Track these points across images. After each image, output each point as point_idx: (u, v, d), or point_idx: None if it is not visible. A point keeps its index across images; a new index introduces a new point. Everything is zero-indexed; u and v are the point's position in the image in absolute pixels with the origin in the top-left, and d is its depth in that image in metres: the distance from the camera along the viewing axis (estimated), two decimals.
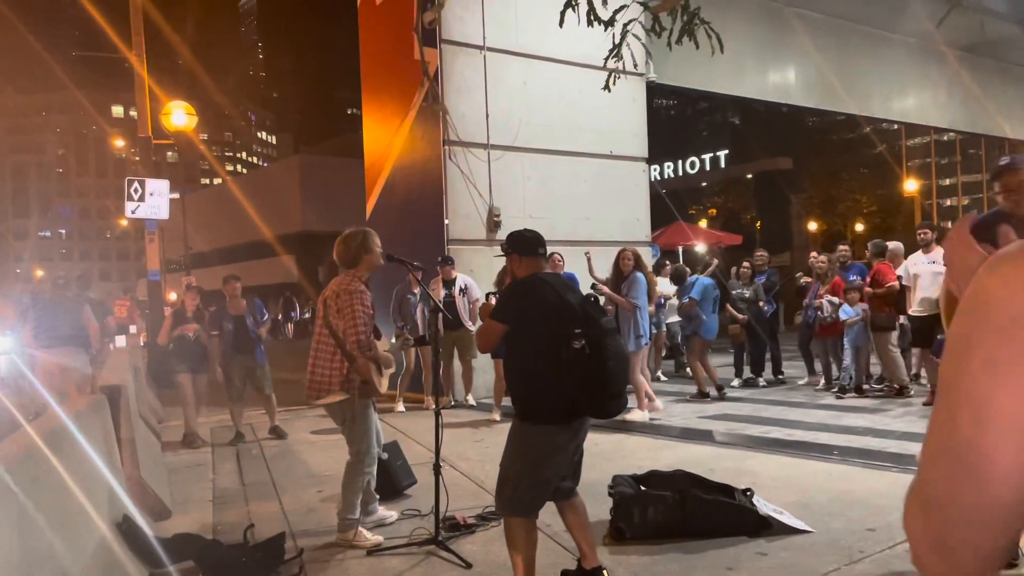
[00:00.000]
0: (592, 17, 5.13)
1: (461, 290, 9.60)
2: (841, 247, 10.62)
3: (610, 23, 5.20)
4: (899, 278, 8.95)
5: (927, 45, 17.82)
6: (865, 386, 9.39)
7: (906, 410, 8.22)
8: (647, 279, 8.31)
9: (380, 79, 12.25)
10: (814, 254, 10.46)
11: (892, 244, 9.93)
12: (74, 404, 4.67)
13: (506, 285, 4.29)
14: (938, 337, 7.99)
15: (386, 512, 5.12)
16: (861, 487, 5.31)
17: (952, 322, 0.71)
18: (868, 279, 9.33)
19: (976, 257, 0.86)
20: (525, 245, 3.83)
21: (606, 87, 5.83)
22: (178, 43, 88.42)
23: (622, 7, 5.11)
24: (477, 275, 10.00)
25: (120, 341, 11.70)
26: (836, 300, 9.49)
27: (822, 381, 10.02)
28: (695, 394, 9.58)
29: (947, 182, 77.16)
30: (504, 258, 4.00)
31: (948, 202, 76.74)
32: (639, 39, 5.39)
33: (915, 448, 6.33)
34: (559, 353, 3.46)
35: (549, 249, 4.35)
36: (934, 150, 73.76)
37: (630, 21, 5.20)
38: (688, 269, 10.59)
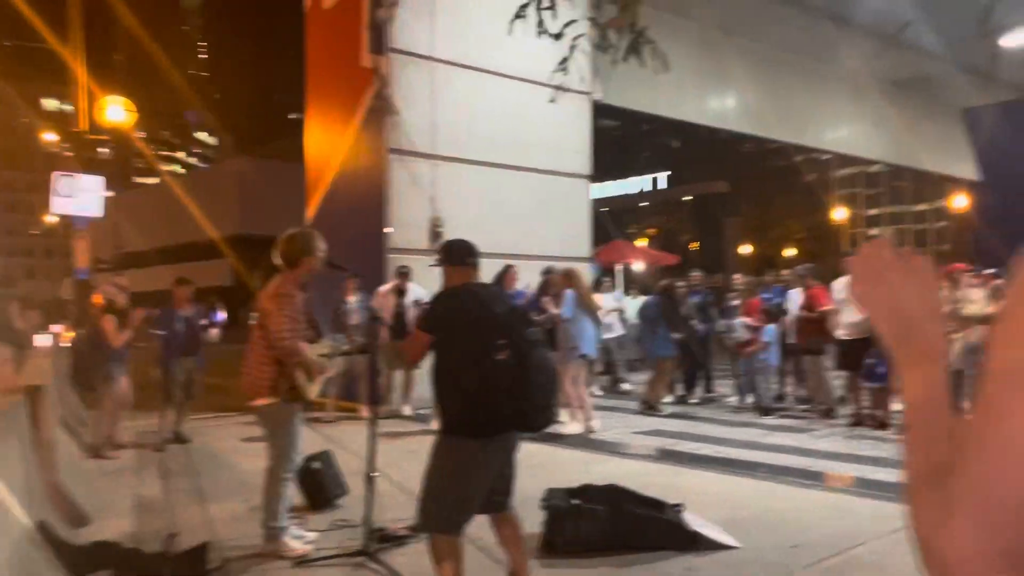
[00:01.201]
0: (541, 29, 5.19)
1: (415, 302, 9.54)
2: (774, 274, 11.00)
3: (559, 36, 5.27)
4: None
5: (860, 79, 18.50)
6: (777, 406, 9.68)
7: (831, 431, 8.47)
8: (580, 294, 8.47)
9: (326, 84, 12.14)
10: (737, 276, 10.79)
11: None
12: None
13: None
14: (865, 361, 8.26)
15: (303, 532, 5.00)
16: (787, 504, 5.45)
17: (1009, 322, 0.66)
18: (802, 302, 9.55)
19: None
20: (454, 255, 3.80)
21: (552, 100, 5.89)
22: (117, 37, 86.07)
23: (571, 21, 5.18)
24: (418, 285, 9.94)
25: (43, 340, 11.25)
26: (747, 321, 9.77)
27: (735, 399, 10.25)
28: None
29: (873, 212, 79.96)
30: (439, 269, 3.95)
31: (874, 231, 79.46)
32: (586, 54, 5.48)
33: (839, 467, 6.54)
34: (482, 365, 3.37)
35: (494, 263, 4.36)
36: (862, 181, 76.44)
37: (578, 36, 5.28)
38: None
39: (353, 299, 9.52)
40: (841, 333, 8.77)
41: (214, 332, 8.24)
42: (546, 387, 3.52)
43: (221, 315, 8.49)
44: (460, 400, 3.46)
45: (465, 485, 3.48)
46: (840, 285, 8.96)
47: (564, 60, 5.33)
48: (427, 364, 3.79)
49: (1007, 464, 0.60)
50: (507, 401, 3.38)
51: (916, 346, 0.82)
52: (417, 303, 9.53)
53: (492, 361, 3.37)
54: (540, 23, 5.08)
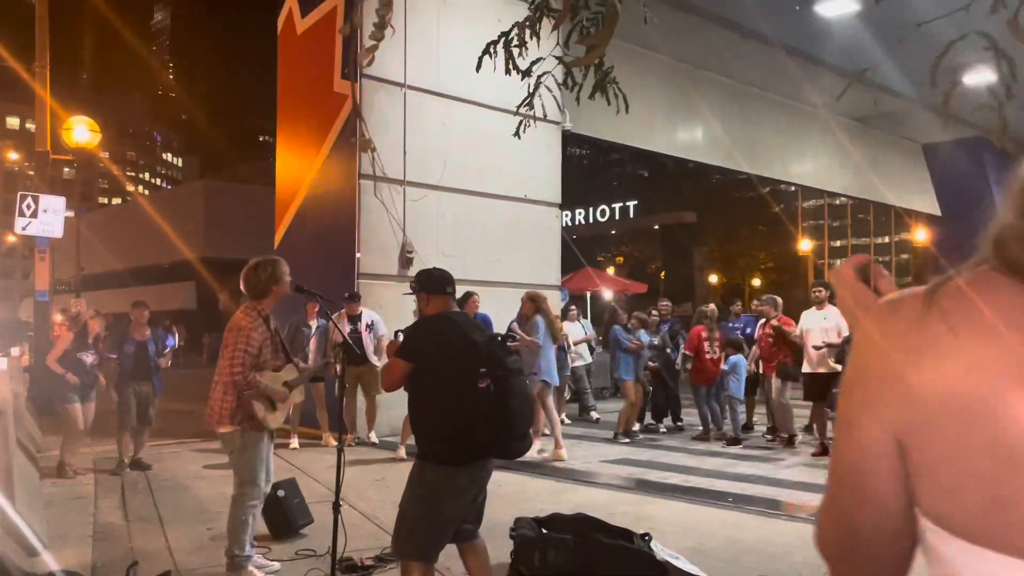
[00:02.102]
0: (511, 66, 5.26)
1: (368, 325, 9.48)
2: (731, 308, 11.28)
3: (527, 73, 5.34)
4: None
5: (824, 115, 18.93)
6: (766, 438, 9.73)
7: (797, 460, 8.54)
8: (547, 321, 8.56)
9: (297, 108, 12.12)
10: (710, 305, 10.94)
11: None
12: None
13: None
14: (833, 391, 8.37)
15: (266, 561, 4.91)
16: (753, 534, 5.47)
17: (849, 361, 0.83)
18: (768, 330, 9.65)
19: (855, 295, 0.95)
20: (433, 283, 3.81)
21: (516, 134, 5.96)
22: (83, 56, 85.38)
23: (538, 59, 5.26)
24: (387, 310, 9.90)
25: (1, 363, 11.00)
26: (687, 352, 10.12)
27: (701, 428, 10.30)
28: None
29: (838, 243, 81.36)
30: (413, 296, 3.98)
31: (838, 262, 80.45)
32: (551, 91, 5.56)
33: (805, 497, 6.59)
34: (463, 393, 3.42)
35: (464, 289, 4.37)
36: (827, 213, 77.88)
37: (544, 73, 5.36)
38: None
39: (314, 324, 9.45)
40: (808, 365, 8.90)
41: (165, 357, 8.11)
42: (524, 415, 3.57)
43: (172, 340, 8.35)
44: (440, 427, 3.49)
45: (440, 512, 3.49)
46: (806, 317, 9.10)
47: (529, 97, 5.41)
48: (395, 391, 3.78)
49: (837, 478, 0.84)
50: (487, 429, 3.42)
51: None
52: (369, 327, 9.49)
53: (474, 389, 3.41)
54: (508, 60, 5.14)
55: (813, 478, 7.54)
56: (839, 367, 8.52)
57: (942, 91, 5.10)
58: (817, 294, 9.08)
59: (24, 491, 5.09)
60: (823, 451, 8.70)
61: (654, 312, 11.21)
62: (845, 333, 8.61)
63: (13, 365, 11.64)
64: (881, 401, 0.76)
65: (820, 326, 8.78)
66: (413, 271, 10.53)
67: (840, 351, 8.48)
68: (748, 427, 10.53)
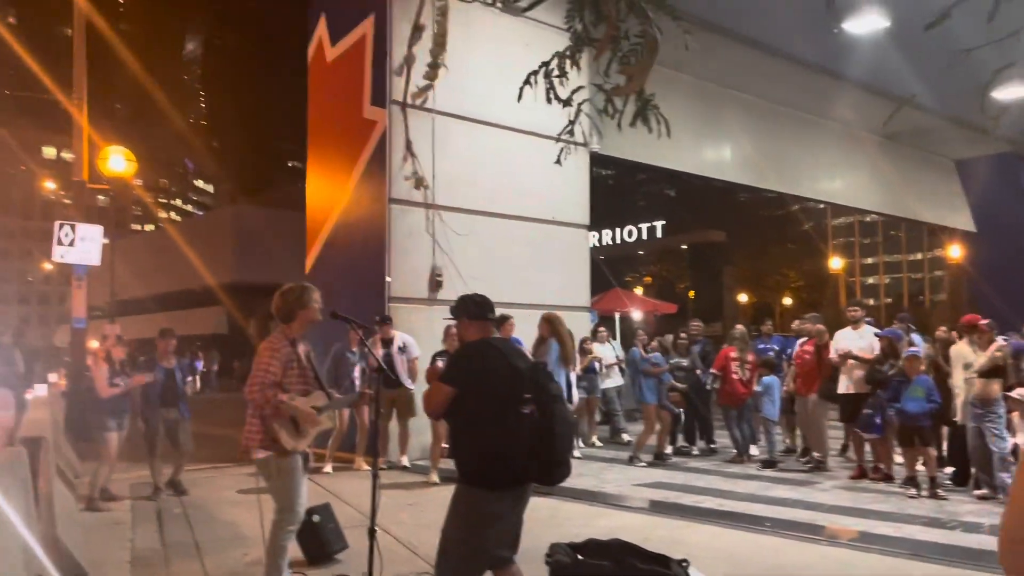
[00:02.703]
0: (552, 95, 5.32)
1: (400, 348, 9.52)
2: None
3: (567, 102, 5.40)
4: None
5: (853, 131, 18.80)
6: (799, 461, 9.56)
7: (835, 483, 8.39)
8: (561, 344, 8.77)
9: (327, 135, 12.27)
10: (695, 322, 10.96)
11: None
12: None
13: (455, 348, 4.30)
14: (864, 411, 8.24)
15: None
16: (792, 560, 5.38)
17: None
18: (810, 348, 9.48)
19: None
20: (474, 309, 3.84)
21: (558, 161, 6.01)
22: (118, 86, 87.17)
23: (579, 88, 5.33)
24: (417, 334, 9.94)
25: (40, 389, 11.23)
26: (714, 372, 10.07)
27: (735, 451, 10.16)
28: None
29: (869, 261, 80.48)
30: (447, 319, 4.01)
31: (870, 280, 79.91)
32: (591, 118, 5.61)
33: (845, 521, 6.47)
34: (507, 418, 3.45)
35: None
36: (858, 230, 77.06)
37: (584, 101, 5.42)
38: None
39: (357, 350, 9.49)
40: (844, 386, 8.77)
41: (190, 382, 8.21)
42: (566, 441, 3.60)
43: (199, 364, 8.44)
44: (483, 452, 3.52)
45: (483, 536, 3.51)
46: (843, 337, 8.98)
47: (570, 124, 5.45)
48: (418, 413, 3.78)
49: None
50: (531, 455, 3.45)
51: None
52: (402, 350, 9.52)
53: (517, 415, 3.44)
54: (549, 90, 5.21)
55: (852, 501, 7.41)
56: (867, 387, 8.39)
57: (990, 115, 5.08)
58: (853, 314, 8.98)
59: (64, 517, 5.15)
60: (861, 473, 8.55)
61: (683, 334, 11.12)
62: (878, 352, 8.48)
63: (52, 392, 11.86)
64: None
65: (856, 346, 8.67)
66: (442, 294, 10.60)
67: (871, 372, 8.35)
68: (792, 450, 10.31)
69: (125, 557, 5.73)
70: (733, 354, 9.93)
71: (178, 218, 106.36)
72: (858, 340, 8.71)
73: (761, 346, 10.96)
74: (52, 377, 13.49)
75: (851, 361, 8.66)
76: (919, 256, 74.19)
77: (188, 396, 8.29)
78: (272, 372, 4.42)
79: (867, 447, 8.74)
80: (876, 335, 8.70)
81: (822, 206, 47.08)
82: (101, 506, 7.41)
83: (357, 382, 9.44)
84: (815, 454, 9.29)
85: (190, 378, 8.40)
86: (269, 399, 4.39)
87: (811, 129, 18.22)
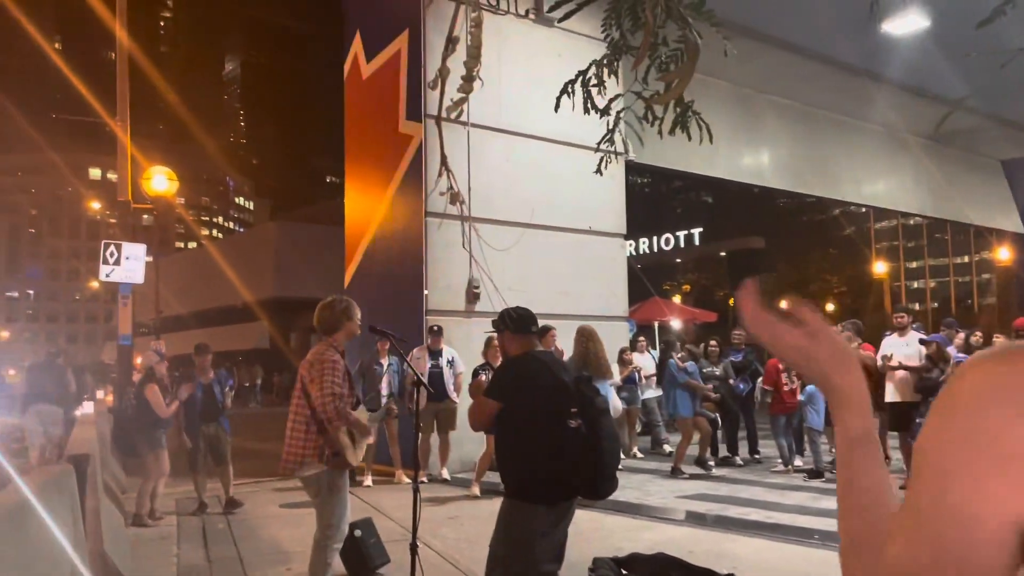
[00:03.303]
0: (589, 105, 5.28)
1: (449, 362, 9.55)
2: None
3: (606, 111, 5.35)
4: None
5: (894, 133, 18.46)
6: (830, 473, 9.32)
7: None
8: (590, 352, 8.91)
9: (364, 150, 12.38)
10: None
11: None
12: (40, 474, 4.50)
13: (499, 362, 4.28)
14: (916, 420, 8.03)
15: None
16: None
17: (932, 424, 0.69)
18: None
19: (781, 332, 0.87)
20: (518, 322, 3.83)
21: (598, 171, 5.96)
22: (160, 107, 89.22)
23: (617, 96, 5.28)
24: (455, 346, 9.97)
25: (88, 406, 11.46)
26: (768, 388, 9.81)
27: (779, 463, 9.95)
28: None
29: (914, 265, 78.90)
30: (486, 332, 4.00)
31: (915, 284, 78.33)
32: (631, 126, 5.55)
33: None
34: (553, 432, 3.44)
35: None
36: (901, 233, 75.64)
37: (623, 109, 5.36)
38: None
39: (385, 362, 9.52)
40: (890, 394, 8.58)
41: (227, 397, 8.26)
42: (613, 455, 3.58)
43: (231, 381, 8.51)
44: (530, 467, 3.50)
45: (530, 551, 3.49)
46: (890, 342, 8.78)
47: (609, 134, 5.41)
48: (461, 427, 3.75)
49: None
50: (578, 469, 3.43)
51: (832, 398, 0.87)
52: (450, 363, 9.54)
53: (564, 429, 3.43)
54: (587, 100, 5.17)
55: None
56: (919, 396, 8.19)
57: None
58: (900, 320, 8.78)
59: (111, 532, 5.21)
60: None
61: (712, 342, 10.96)
62: (924, 360, 8.28)
63: (99, 408, 12.08)
64: (1005, 484, 0.61)
65: (903, 353, 8.47)
66: (480, 307, 10.59)
67: (920, 380, 8.14)
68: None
69: (171, 572, 5.79)
70: (782, 364, 9.76)
71: (219, 235, 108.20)
72: (904, 347, 8.51)
73: None
74: (99, 394, 13.75)
75: (899, 370, 8.46)
76: (966, 259, 72.52)
77: (228, 411, 8.34)
78: (338, 384, 4.42)
79: None
80: (921, 341, 8.48)
81: (864, 210, 46.37)
82: (148, 521, 7.50)
83: (384, 395, 9.46)
84: None
85: (229, 390, 8.40)
86: (343, 414, 4.39)
87: (852, 132, 17.92)
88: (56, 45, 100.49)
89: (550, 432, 3.45)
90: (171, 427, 8.07)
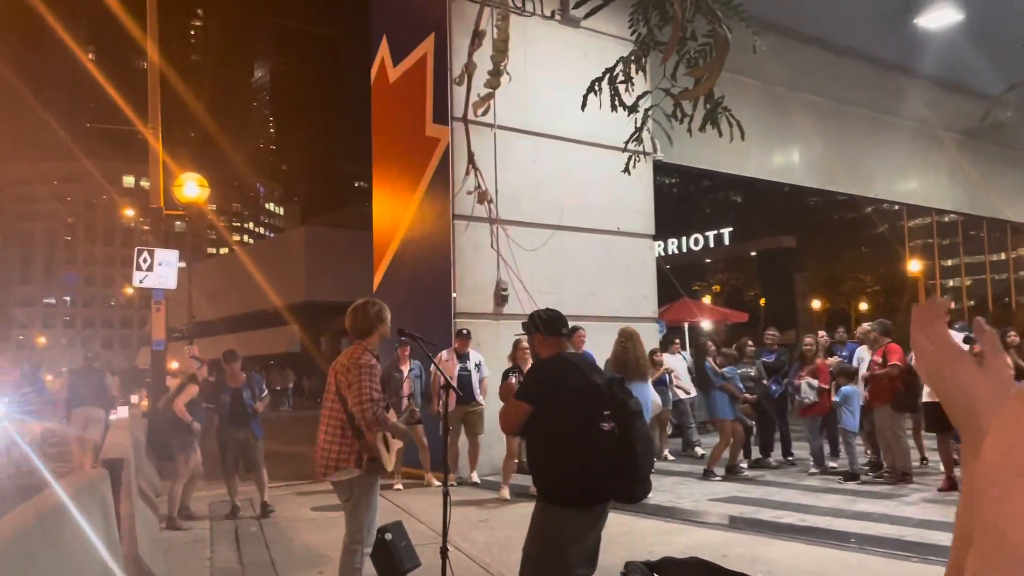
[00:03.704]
0: (617, 103, 5.22)
1: (476, 365, 9.54)
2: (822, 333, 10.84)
3: (633, 108, 5.29)
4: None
5: (928, 129, 18.15)
6: (865, 476, 9.15)
7: (922, 496, 8.02)
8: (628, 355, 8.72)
9: (391, 154, 12.44)
10: (809, 337, 10.40)
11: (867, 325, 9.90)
12: (75, 478, 4.56)
13: (528, 365, 4.25)
14: None
15: None
16: None
17: (993, 449, 0.64)
18: (879, 359, 9.17)
19: (954, 355, 0.81)
20: (549, 324, 3.79)
21: (626, 170, 5.88)
22: (191, 115, 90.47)
23: (645, 93, 5.21)
24: (483, 349, 9.95)
25: (123, 411, 11.64)
26: (814, 382, 9.51)
27: (811, 466, 9.79)
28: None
29: (949, 263, 77.57)
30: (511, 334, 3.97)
31: (951, 282, 76.99)
32: (659, 124, 5.48)
33: (935, 537, 6.16)
34: (586, 435, 3.39)
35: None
36: (936, 231, 74.41)
37: (652, 107, 5.30)
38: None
39: (406, 368, 9.51)
40: (928, 394, 8.40)
41: (259, 406, 8.25)
42: (647, 458, 3.53)
43: (265, 388, 8.52)
44: (563, 470, 3.47)
45: (564, 555, 3.45)
46: None
47: (637, 132, 5.34)
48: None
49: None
50: (611, 472, 3.39)
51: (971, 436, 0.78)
52: (478, 367, 9.53)
53: (597, 432, 3.38)
54: (615, 97, 5.11)
55: (941, 515, 7.06)
56: None
57: None
58: None
59: (145, 536, 5.26)
60: (951, 485, 8.15)
61: (750, 343, 10.83)
62: None
63: (133, 413, 12.25)
64: None
65: None
66: (508, 309, 10.57)
67: None
68: (878, 464, 9.82)
69: (204, 575, 5.82)
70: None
71: (250, 241, 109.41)
72: None
73: (841, 354, 10.58)
74: (134, 398, 13.95)
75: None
76: (1002, 256, 71.19)
77: (259, 415, 8.35)
78: (376, 390, 4.38)
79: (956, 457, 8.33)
80: (967, 339, 8.28)
81: (897, 207, 45.64)
82: (181, 524, 7.57)
83: (404, 401, 9.45)
84: (893, 466, 8.89)
85: (263, 397, 8.40)
86: (382, 419, 4.36)
87: (884, 129, 17.65)
88: (90, 55, 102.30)
89: (582, 435, 3.40)
90: (204, 431, 8.15)
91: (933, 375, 0.83)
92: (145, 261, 12.37)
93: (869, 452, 10.01)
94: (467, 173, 10.62)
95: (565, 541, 3.45)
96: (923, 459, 9.97)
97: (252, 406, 8.11)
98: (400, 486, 9.36)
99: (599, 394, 3.48)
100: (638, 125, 5.36)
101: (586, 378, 3.55)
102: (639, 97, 5.20)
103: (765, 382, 10.45)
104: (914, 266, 46.18)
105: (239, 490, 8.26)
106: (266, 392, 8.59)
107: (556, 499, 3.49)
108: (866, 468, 9.36)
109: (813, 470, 9.64)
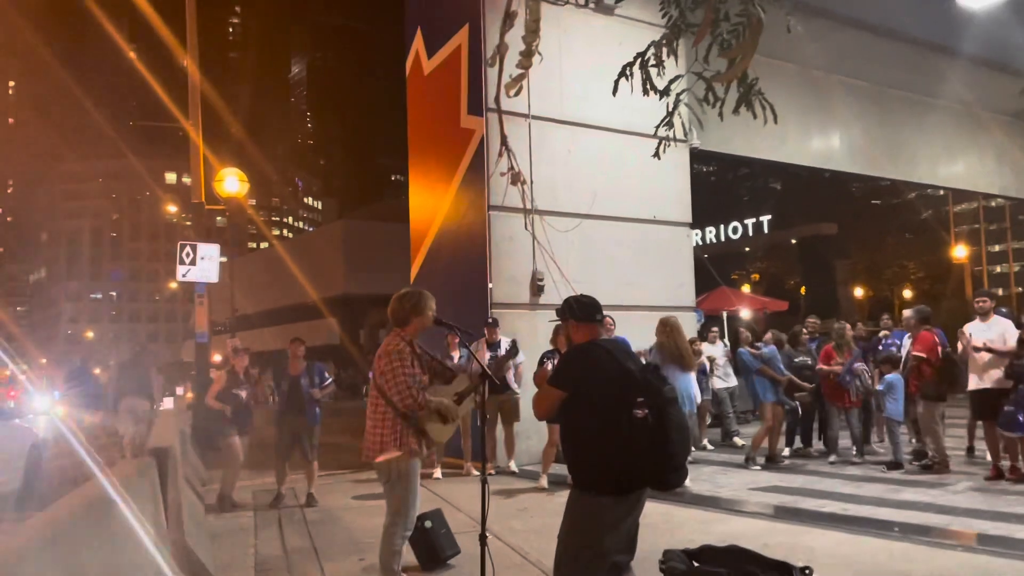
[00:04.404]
0: (648, 87, 5.18)
1: (507, 352, 9.53)
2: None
3: (665, 92, 5.24)
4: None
5: (973, 112, 17.72)
6: (909, 465, 9.00)
7: (968, 484, 7.88)
8: (668, 344, 8.68)
9: (427, 146, 12.49)
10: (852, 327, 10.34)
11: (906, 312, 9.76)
12: (124, 467, 4.68)
13: (563, 351, 4.24)
14: (1005, 408, 7.71)
15: None
16: (926, 568, 5.06)
17: None
18: (914, 347, 9.01)
19: None
20: (582, 311, 3.77)
21: (656, 155, 5.83)
22: (230, 112, 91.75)
23: (677, 77, 5.16)
24: (520, 338, 9.83)
25: (168, 403, 11.92)
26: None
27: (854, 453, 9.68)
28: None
29: (996, 248, 75.65)
30: (549, 322, 3.96)
31: (998, 269, 75.10)
32: (691, 108, 5.42)
33: (980, 525, 6.05)
34: (620, 422, 3.36)
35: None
36: (982, 216, 72.59)
37: (683, 91, 5.25)
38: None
39: (456, 355, 9.57)
40: (975, 382, 8.23)
41: (316, 392, 8.34)
42: (682, 445, 3.47)
43: (328, 377, 8.62)
44: (597, 457, 3.44)
45: (600, 543, 3.43)
46: (973, 327, 8.42)
47: (668, 116, 5.28)
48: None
49: None
50: (645, 459, 3.35)
51: None
52: (510, 353, 9.51)
53: (630, 418, 3.34)
54: (646, 81, 5.07)
55: (987, 504, 6.93)
56: (1009, 383, 7.84)
57: None
58: (982, 304, 8.41)
59: (191, 523, 5.39)
60: (997, 474, 7.99)
61: (805, 331, 10.70)
62: (1012, 344, 7.93)
63: (179, 404, 12.53)
64: None
65: (986, 338, 8.12)
66: (544, 299, 10.57)
67: (1012, 367, 7.80)
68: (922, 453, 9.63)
69: (250, 563, 5.94)
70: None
71: (290, 235, 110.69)
72: (986, 332, 8.15)
73: (887, 343, 10.40)
74: (179, 390, 14.27)
75: (984, 355, 8.10)
76: None
77: (316, 404, 8.46)
78: (409, 374, 4.48)
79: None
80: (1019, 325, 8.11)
81: (942, 192, 44.65)
82: (227, 512, 7.73)
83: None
84: (931, 455, 8.74)
85: (325, 385, 8.50)
86: (421, 402, 4.46)
87: (927, 112, 17.26)
88: (131, 53, 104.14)
89: (616, 422, 3.37)
90: (250, 418, 8.31)
91: None
92: (188, 255, 12.61)
93: (914, 441, 9.85)
94: (500, 155, 10.60)
95: (600, 529, 3.43)
96: (970, 448, 9.76)
97: (309, 392, 8.24)
98: (439, 475, 9.44)
99: (633, 380, 3.44)
100: (669, 110, 5.30)
101: (620, 364, 3.51)
102: (671, 81, 5.14)
103: (808, 372, 10.30)
104: (960, 252, 45.13)
105: (288, 479, 8.41)
106: (330, 380, 8.71)
107: (590, 487, 3.47)
108: (909, 458, 9.20)
109: (855, 459, 9.51)
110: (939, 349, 8.58)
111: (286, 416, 8.26)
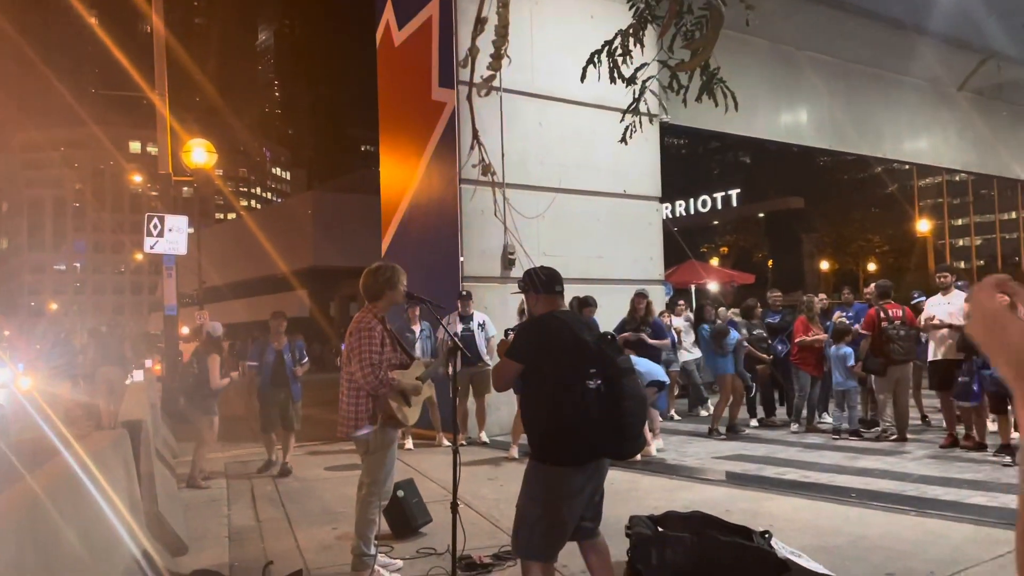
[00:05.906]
0: (616, 75, 5.27)
1: (480, 325, 9.64)
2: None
3: (632, 80, 5.34)
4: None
5: (938, 88, 17.99)
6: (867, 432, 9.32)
7: (924, 452, 8.16)
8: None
9: (397, 118, 12.43)
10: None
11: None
12: (97, 439, 4.71)
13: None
14: (959, 379, 7.97)
15: (390, 560, 5.04)
16: (880, 531, 5.27)
17: None
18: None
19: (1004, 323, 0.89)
20: (542, 283, 3.81)
21: (623, 140, 5.94)
22: (196, 80, 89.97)
23: (643, 65, 5.26)
24: (491, 312, 10.05)
25: (138, 375, 11.86)
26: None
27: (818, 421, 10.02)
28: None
29: (959, 222, 77.06)
30: (520, 295, 4.03)
31: (960, 242, 76.54)
32: (655, 95, 5.53)
33: (932, 491, 6.30)
34: (574, 392, 3.39)
35: (569, 288, 4.34)
36: (946, 190, 73.81)
37: (649, 78, 5.36)
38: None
39: (417, 328, 9.63)
40: (932, 352, 8.52)
41: (298, 370, 8.46)
42: (636, 415, 3.52)
43: (303, 352, 8.69)
44: (552, 428, 3.48)
45: (557, 511, 3.48)
46: (933, 302, 8.70)
47: (634, 103, 5.40)
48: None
49: None
50: (599, 429, 3.39)
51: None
52: (481, 327, 9.63)
53: (584, 389, 3.38)
54: (612, 70, 5.17)
55: (941, 471, 7.20)
56: (962, 354, 8.10)
57: None
58: (943, 279, 8.67)
59: (165, 495, 5.44)
60: (952, 442, 8.28)
61: (759, 305, 10.94)
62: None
63: (148, 377, 12.46)
64: None
65: (945, 311, 8.38)
66: (515, 272, 10.65)
67: (962, 338, 8.06)
68: (871, 421, 9.98)
69: (223, 533, 6.01)
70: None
71: (258, 206, 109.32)
72: (946, 306, 8.41)
73: (846, 315, 10.67)
74: (147, 363, 14.18)
75: (941, 329, 8.38)
76: (1013, 215, 70.64)
77: (297, 377, 8.55)
78: (375, 352, 4.53)
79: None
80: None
81: (907, 167, 45.27)
82: (200, 484, 7.77)
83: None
84: (882, 425, 9.12)
85: (304, 362, 8.60)
86: (383, 381, 4.51)
87: (893, 88, 17.50)
88: (92, 20, 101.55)
89: (569, 393, 3.40)
90: (220, 395, 8.33)
91: (984, 336, 0.91)
92: (155, 227, 12.50)
93: (872, 412, 10.15)
94: (472, 147, 10.64)
95: (556, 499, 3.46)
96: (923, 417, 10.10)
97: (292, 368, 8.34)
98: (411, 445, 9.55)
99: (587, 351, 3.47)
100: (636, 96, 5.40)
101: (575, 335, 3.54)
102: (637, 68, 5.24)
103: (770, 343, 10.57)
104: (923, 226, 45.91)
105: (275, 447, 8.55)
106: (307, 359, 8.80)
107: (545, 457, 3.51)
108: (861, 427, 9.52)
109: (795, 427, 9.84)
110: (882, 324, 8.83)
111: (272, 390, 8.33)
